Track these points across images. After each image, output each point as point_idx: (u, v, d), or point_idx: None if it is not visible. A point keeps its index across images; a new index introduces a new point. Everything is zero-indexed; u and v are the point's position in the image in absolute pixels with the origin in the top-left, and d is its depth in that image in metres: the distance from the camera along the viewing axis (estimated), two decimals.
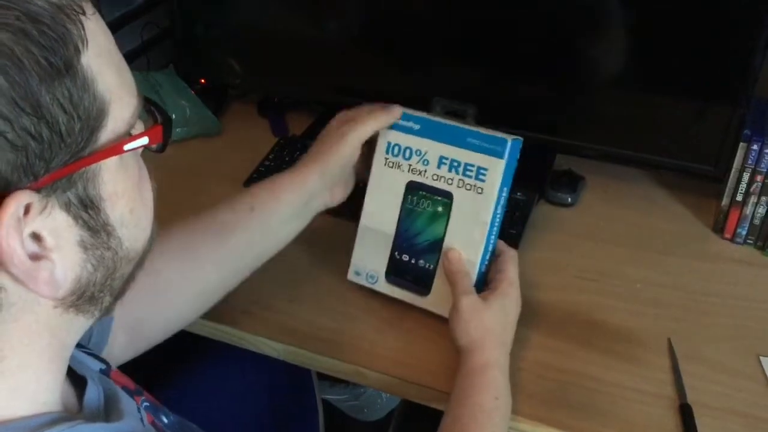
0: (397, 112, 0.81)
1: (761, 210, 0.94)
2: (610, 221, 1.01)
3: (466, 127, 0.79)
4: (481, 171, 0.78)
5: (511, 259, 0.80)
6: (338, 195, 0.83)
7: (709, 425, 0.73)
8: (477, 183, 0.78)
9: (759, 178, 0.93)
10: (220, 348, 0.86)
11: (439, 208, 0.80)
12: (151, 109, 0.48)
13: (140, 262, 0.49)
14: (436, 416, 0.72)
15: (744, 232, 0.96)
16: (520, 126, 1.05)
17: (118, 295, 0.49)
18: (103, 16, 0.43)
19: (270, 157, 1.11)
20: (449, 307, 0.77)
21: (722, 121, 0.95)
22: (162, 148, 0.48)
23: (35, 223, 0.39)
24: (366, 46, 1.14)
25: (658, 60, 0.96)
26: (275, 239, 0.80)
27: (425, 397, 0.78)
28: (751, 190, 0.94)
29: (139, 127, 0.46)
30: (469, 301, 0.75)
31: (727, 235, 0.98)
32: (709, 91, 0.96)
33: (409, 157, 0.81)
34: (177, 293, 0.75)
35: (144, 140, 0.44)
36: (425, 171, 0.80)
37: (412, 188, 0.81)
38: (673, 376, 0.78)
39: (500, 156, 0.77)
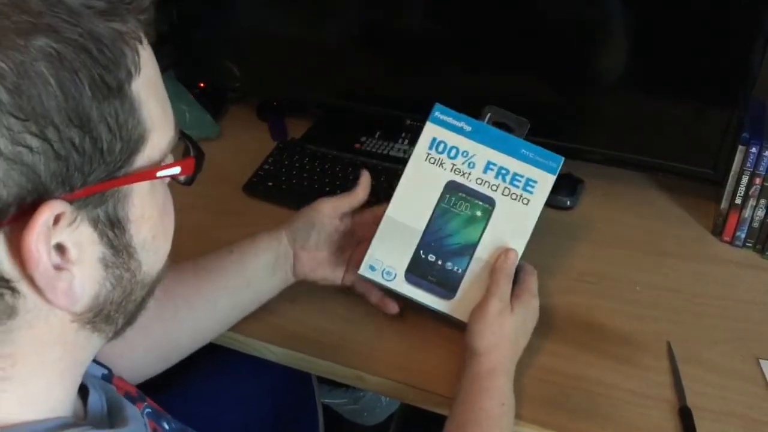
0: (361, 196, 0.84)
1: (760, 213, 0.94)
2: (609, 224, 1.01)
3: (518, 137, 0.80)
4: (530, 182, 0.79)
5: (531, 271, 0.81)
6: (321, 271, 0.83)
7: (708, 428, 0.73)
8: (524, 194, 0.79)
9: (758, 180, 0.93)
10: (221, 352, 0.86)
11: (478, 213, 0.79)
12: (186, 143, 0.50)
13: (151, 290, 0.50)
14: (435, 420, 0.72)
15: (743, 235, 0.96)
16: None
17: (131, 319, 0.49)
18: None
19: (269, 160, 1.11)
20: (470, 312, 0.77)
21: (721, 124, 0.95)
22: (190, 181, 0.49)
23: (62, 235, 0.40)
24: (365, 50, 1.14)
25: (656, 63, 0.96)
26: (250, 286, 0.81)
27: (425, 401, 0.78)
28: (750, 192, 0.94)
29: (170, 159, 0.47)
30: (500, 306, 0.75)
31: (726, 238, 0.98)
32: (707, 93, 0.96)
33: (455, 157, 0.80)
34: (148, 336, 0.74)
35: (176, 170, 0.46)
36: (469, 174, 0.80)
37: (452, 188, 0.80)
38: (673, 378, 0.78)
39: (552, 171, 0.79)
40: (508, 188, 0.79)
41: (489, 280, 0.77)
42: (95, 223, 0.41)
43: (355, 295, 0.86)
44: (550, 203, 1.03)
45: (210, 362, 0.93)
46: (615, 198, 1.06)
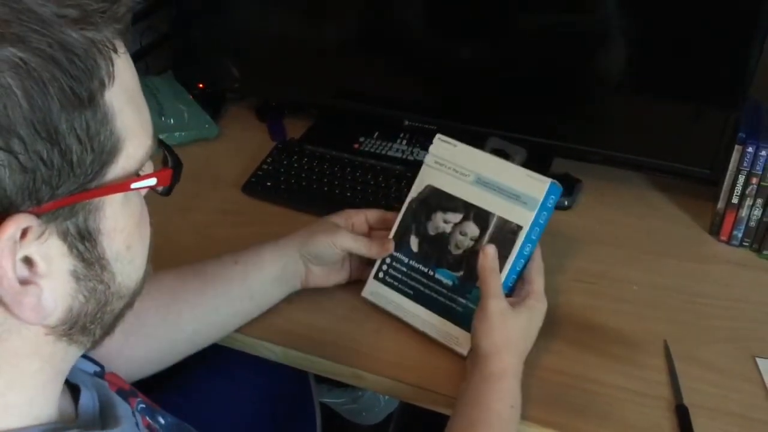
0: (386, 251, 0.84)
1: (757, 212, 0.95)
2: (606, 224, 1.02)
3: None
4: None
5: (538, 270, 0.79)
6: (333, 278, 0.86)
7: (705, 426, 0.73)
8: None
9: (754, 180, 0.93)
10: (219, 350, 0.86)
11: None
12: (164, 152, 0.49)
13: (130, 302, 0.49)
14: (434, 419, 0.73)
15: (740, 235, 0.97)
16: (518, 130, 1.06)
17: (108, 330, 0.49)
18: None
19: (268, 161, 1.11)
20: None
21: (717, 124, 0.95)
22: (167, 192, 0.48)
23: (30, 248, 0.39)
24: (364, 50, 1.14)
25: (654, 64, 0.97)
26: (253, 298, 0.82)
27: (424, 400, 0.78)
28: (747, 192, 0.94)
29: (149, 168, 0.46)
30: (499, 306, 0.74)
31: (723, 238, 0.98)
32: (704, 94, 0.96)
33: None
34: (149, 336, 0.75)
35: (152, 181, 0.45)
36: None
37: None
38: (670, 377, 0.79)
39: None
40: None
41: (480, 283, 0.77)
42: (65, 236, 0.40)
43: (354, 293, 0.86)
44: None
45: (208, 361, 0.93)
46: (612, 198, 1.07)
